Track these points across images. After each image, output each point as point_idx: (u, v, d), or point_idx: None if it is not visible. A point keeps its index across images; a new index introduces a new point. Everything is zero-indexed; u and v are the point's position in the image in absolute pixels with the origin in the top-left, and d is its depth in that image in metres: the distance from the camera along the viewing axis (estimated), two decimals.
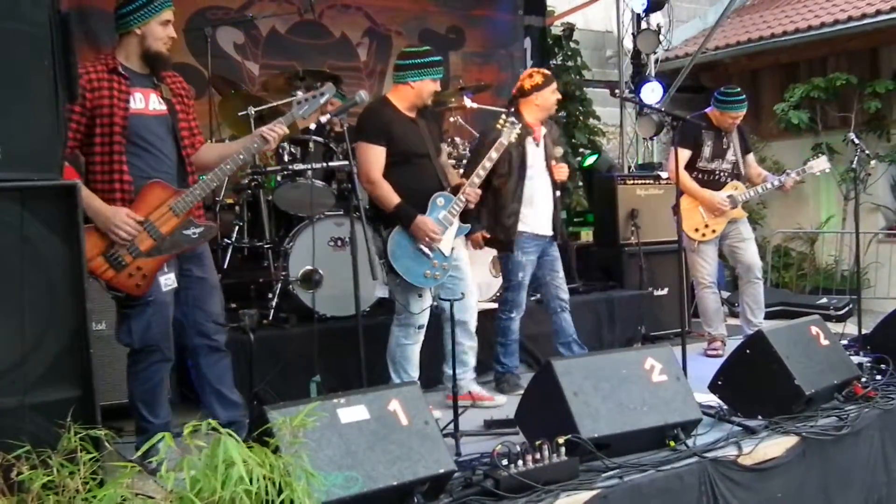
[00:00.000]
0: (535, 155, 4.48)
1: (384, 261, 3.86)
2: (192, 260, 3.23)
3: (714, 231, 5.25)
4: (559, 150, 4.62)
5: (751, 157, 5.49)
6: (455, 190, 3.99)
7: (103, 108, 3.00)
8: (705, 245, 5.30)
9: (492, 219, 4.46)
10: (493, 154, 4.02)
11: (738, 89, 5.24)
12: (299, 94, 4.80)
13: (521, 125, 4.13)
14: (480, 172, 4.01)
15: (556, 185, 4.53)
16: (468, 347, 4.14)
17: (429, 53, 3.97)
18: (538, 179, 4.47)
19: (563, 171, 4.52)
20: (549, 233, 4.54)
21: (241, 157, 3.20)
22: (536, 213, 4.46)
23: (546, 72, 4.59)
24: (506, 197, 4.39)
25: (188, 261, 3.22)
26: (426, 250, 3.84)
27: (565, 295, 4.63)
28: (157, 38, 3.09)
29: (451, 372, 4.04)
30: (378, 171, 3.85)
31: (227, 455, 2.00)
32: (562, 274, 4.65)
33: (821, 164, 5.33)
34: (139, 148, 3.07)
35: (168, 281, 3.09)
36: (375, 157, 3.85)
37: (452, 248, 3.97)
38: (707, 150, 5.23)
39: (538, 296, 5.25)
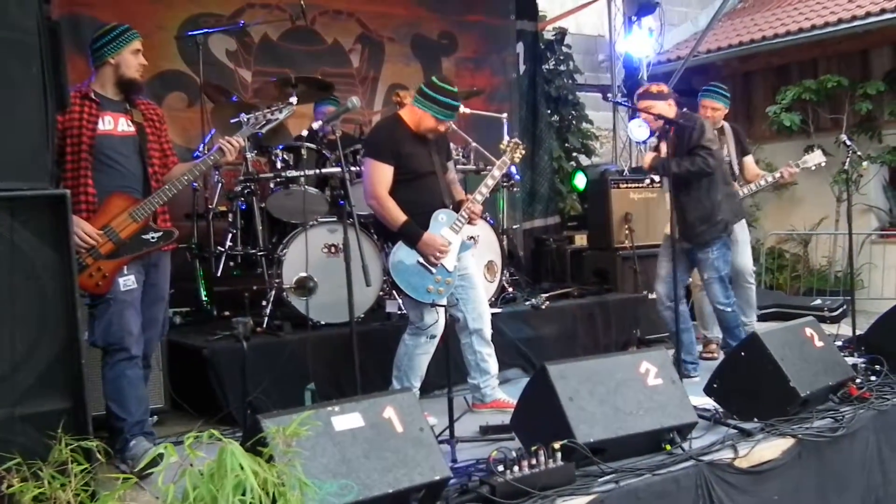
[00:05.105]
0: None
1: (387, 278, 3.82)
2: (149, 268, 3.43)
3: None
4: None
5: (749, 159, 5.44)
6: (458, 207, 3.98)
7: (73, 129, 3.26)
8: None
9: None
10: (496, 172, 4.09)
11: (724, 86, 5.28)
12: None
13: (523, 146, 4.21)
14: (483, 190, 4.02)
15: None
16: (486, 354, 4.09)
17: (447, 94, 3.85)
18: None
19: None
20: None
21: (199, 168, 3.51)
22: None
23: (653, 87, 4.79)
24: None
25: (146, 268, 3.40)
26: (429, 266, 3.82)
27: None
28: (130, 66, 3.38)
29: (475, 382, 4.08)
30: (384, 189, 3.83)
31: (229, 465, 1.98)
32: None
33: (816, 157, 5.31)
34: (105, 165, 3.32)
35: (128, 282, 3.29)
36: (382, 174, 3.83)
37: (455, 265, 3.92)
38: None
39: (533, 301, 5.25)
